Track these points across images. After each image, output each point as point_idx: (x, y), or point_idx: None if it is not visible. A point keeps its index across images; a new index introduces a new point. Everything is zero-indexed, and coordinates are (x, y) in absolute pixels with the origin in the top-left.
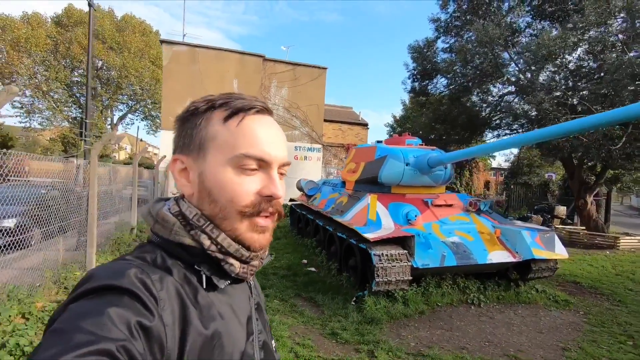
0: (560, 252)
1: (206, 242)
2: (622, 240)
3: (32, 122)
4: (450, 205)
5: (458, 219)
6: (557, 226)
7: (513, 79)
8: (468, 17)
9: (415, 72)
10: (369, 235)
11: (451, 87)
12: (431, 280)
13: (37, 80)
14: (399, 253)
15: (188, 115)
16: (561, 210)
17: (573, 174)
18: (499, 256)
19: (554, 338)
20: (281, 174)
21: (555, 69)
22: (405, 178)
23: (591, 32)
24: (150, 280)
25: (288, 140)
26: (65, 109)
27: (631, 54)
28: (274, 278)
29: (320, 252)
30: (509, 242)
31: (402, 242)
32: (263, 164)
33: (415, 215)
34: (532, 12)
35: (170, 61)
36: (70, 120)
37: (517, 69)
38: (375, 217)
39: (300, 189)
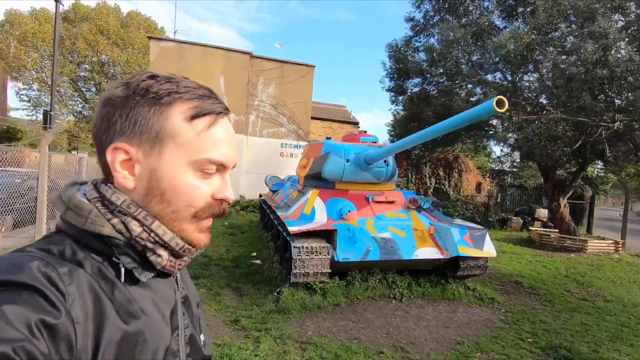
0: (488, 250)
1: (137, 229)
2: (589, 244)
3: (39, 116)
4: (391, 202)
5: (395, 215)
6: (532, 228)
7: (474, 80)
8: (444, 16)
9: (391, 71)
10: (292, 228)
11: (424, 86)
12: (357, 274)
13: (43, 75)
14: (320, 246)
15: (137, 97)
16: (542, 212)
17: (547, 176)
18: (426, 253)
19: (456, 333)
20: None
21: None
22: (346, 174)
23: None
24: (57, 274)
25: (274, 137)
26: (71, 102)
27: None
28: (215, 269)
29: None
30: (441, 240)
31: (328, 235)
32: (220, 168)
33: (349, 210)
34: (504, 12)
35: (157, 57)
36: (75, 114)
37: (478, 71)
38: (310, 212)
39: (266, 184)
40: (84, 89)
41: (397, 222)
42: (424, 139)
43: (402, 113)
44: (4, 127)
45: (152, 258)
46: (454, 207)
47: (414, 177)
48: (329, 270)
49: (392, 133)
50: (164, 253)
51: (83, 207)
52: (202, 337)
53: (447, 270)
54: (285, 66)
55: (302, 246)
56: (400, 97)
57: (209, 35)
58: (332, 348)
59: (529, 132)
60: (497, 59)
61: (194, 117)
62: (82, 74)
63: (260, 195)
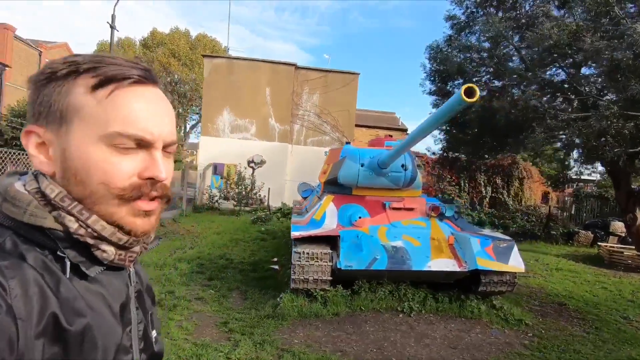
0: (515, 264)
1: (73, 225)
2: None
3: None
4: (411, 209)
5: (412, 223)
6: (601, 244)
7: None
8: (488, 10)
9: (430, 74)
10: (294, 233)
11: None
12: (364, 284)
13: None
14: (321, 252)
15: (44, 78)
16: (618, 226)
17: (619, 183)
18: (441, 264)
19: (461, 356)
20: (168, 152)
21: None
22: (361, 179)
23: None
24: None
25: (318, 145)
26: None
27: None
28: (231, 272)
29: None
30: (461, 251)
31: (334, 242)
32: (143, 143)
33: (359, 217)
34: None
35: (210, 73)
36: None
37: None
38: (320, 217)
39: (298, 191)
40: None
41: (414, 230)
42: (414, 141)
43: None
44: None
45: (97, 253)
46: (513, 218)
47: (466, 185)
48: (330, 278)
49: (444, 142)
50: (108, 248)
51: (21, 198)
52: (153, 332)
53: (472, 285)
54: (329, 75)
55: (303, 251)
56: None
57: (273, 51)
58: (310, 358)
59: (574, 132)
60: (541, 52)
61: (95, 86)
62: None
63: (295, 202)
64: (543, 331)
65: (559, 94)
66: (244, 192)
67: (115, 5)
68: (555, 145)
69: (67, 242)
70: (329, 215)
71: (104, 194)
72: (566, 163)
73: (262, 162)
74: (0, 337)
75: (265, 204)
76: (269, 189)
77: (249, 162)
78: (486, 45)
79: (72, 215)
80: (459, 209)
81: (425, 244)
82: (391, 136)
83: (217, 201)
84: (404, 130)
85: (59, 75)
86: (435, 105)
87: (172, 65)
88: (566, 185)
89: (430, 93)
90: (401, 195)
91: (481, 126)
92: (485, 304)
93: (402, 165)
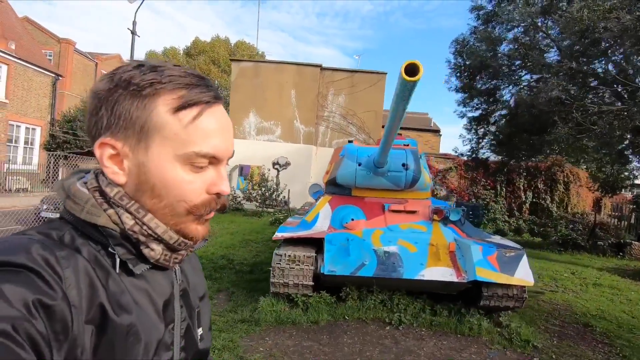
0: (522, 277)
1: (129, 222)
2: None
3: None
4: (413, 212)
5: (412, 227)
6: None
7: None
8: None
9: (455, 69)
10: (277, 235)
11: (494, 82)
12: (353, 291)
13: None
14: (304, 255)
15: (121, 91)
16: None
17: None
18: (436, 273)
19: None
20: (227, 164)
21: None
22: (359, 179)
23: None
24: (55, 258)
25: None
26: None
27: None
28: (227, 272)
29: None
30: (462, 259)
31: (320, 245)
32: (214, 160)
33: (352, 219)
34: None
35: (237, 77)
36: None
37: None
38: (311, 219)
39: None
40: None
41: (412, 234)
42: (390, 135)
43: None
44: None
45: (146, 251)
46: (555, 226)
47: (503, 189)
48: (312, 283)
49: (473, 142)
50: (157, 247)
51: (80, 196)
52: (199, 330)
53: (477, 298)
54: (355, 75)
55: (285, 254)
56: (474, 100)
57: (315, 56)
58: None
59: (607, 125)
60: (572, 37)
61: (179, 108)
62: None
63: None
64: (554, 356)
65: (593, 84)
66: (267, 194)
67: (136, 12)
68: (582, 141)
69: (116, 240)
70: (321, 217)
71: (179, 209)
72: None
73: (287, 164)
74: (57, 320)
75: (290, 205)
76: (289, 190)
77: (273, 164)
78: (514, 34)
79: (130, 212)
80: (465, 212)
81: (423, 250)
82: (400, 134)
83: (239, 202)
84: (437, 131)
85: (138, 89)
86: (462, 103)
87: (212, 72)
88: (623, 190)
89: (457, 90)
90: (405, 197)
91: (510, 124)
92: (488, 321)
93: (403, 165)
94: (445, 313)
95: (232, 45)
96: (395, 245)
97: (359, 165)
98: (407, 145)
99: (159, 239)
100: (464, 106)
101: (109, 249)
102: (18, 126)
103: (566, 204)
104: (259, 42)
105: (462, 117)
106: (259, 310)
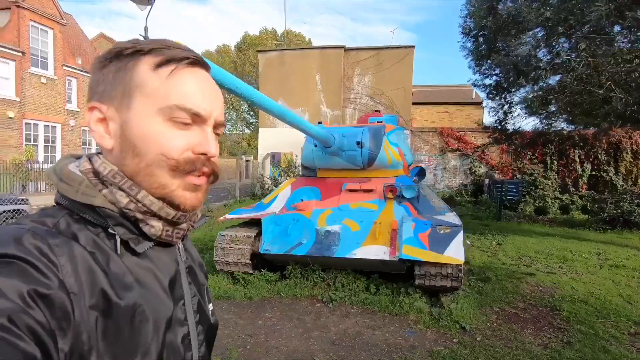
0: (452, 254)
1: (123, 200)
2: None
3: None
4: (369, 191)
5: (362, 206)
6: None
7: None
8: None
9: (464, 30)
10: (221, 218)
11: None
12: (295, 269)
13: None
14: (244, 235)
15: (110, 58)
16: None
17: None
18: (369, 252)
19: (336, 353)
20: (217, 134)
21: None
22: (317, 160)
23: None
24: (48, 246)
25: None
26: (247, 116)
27: None
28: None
29: None
30: (401, 237)
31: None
32: (197, 119)
33: (302, 199)
34: None
35: (264, 67)
36: (247, 125)
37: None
38: (268, 201)
39: None
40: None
41: (361, 213)
42: (284, 117)
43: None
44: None
45: (146, 229)
46: (617, 202)
47: (555, 163)
48: (249, 261)
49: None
50: (156, 223)
51: (74, 177)
52: (210, 306)
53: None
54: (381, 53)
55: (227, 234)
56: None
57: (371, 36)
58: None
59: None
60: None
61: (159, 65)
62: None
63: None
64: (479, 338)
65: None
66: None
67: (147, 17)
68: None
69: (115, 220)
70: (279, 199)
71: (161, 165)
72: None
73: None
74: (56, 308)
75: None
76: None
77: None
78: None
79: (123, 190)
80: (419, 188)
81: (365, 228)
82: (378, 111)
83: (268, 188)
84: (478, 103)
85: (125, 54)
86: (475, 69)
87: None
88: None
89: (471, 53)
90: (368, 176)
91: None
92: (425, 300)
93: (358, 143)
94: (388, 292)
95: (280, 35)
96: (339, 225)
97: (315, 146)
98: (380, 122)
99: (157, 215)
100: (480, 74)
101: (109, 229)
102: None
103: (635, 177)
104: (315, 27)
105: (477, 86)
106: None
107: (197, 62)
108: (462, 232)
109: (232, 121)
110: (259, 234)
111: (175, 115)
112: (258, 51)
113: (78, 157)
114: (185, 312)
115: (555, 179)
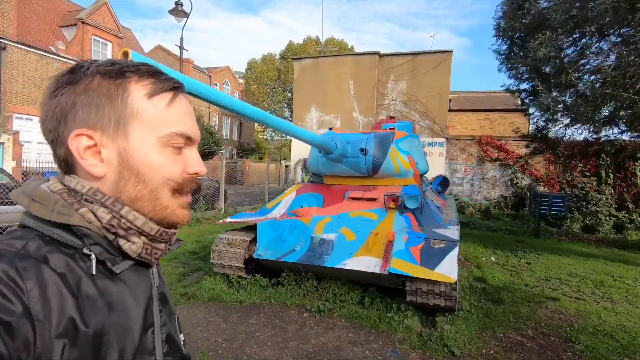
0: (443, 272)
1: (105, 217)
2: None
3: (266, 134)
4: (373, 200)
5: (362, 215)
6: None
7: None
8: None
9: (498, 31)
10: (220, 221)
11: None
12: (289, 276)
13: (266, 103)
14: (241, 240)
15: (88, 82)
16: None
17: None
18: (360, 263)
19: None
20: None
21: None
22: (322, 167)
23: None
24: (15, 269)
25: None
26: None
27: None
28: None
29: None
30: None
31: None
32: (188, 142)
33: (301, 206)
34: None
35: (299, 74)
36: None
37: None
38: (271, 206)
39: None
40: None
41: (360, 222)
42: (270, 122)
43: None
44: (253, 146)
45: (126, 246)
46: None
47: (610, 177)
48: (242, 265)
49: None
50: (137, 240)
51: (48, 197)
52: (182, 336)
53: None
54: (417, 58)
55: (225, 237)
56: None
57: (421, 42)
58: None
59: None
60: None
61: (153, 94)
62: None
63: None
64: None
65: None
66: None
67: (182, 29)
68: None
69: (92, 239)
70: (282, 204)
71: (164, 189)
72: None
73: None
74: (16, 337)
75: None
76: None
77: None
78: None
79: (106, 206)
80: (420, 199)
81: (361, 238)
82: (393, 117)
83: None
84: (524, 110)
85: (110, 77)
86: (510, 74)
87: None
88: None
89: (502, 54)
90: (374, 184)
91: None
92: (417, 319)
93: (362, 150)
94: (381, 307)
95: (323, 43)
96: (336, 233)
97: (320, 152)
98: (393, 129)
99: (140, 231)
100: (514, 79)
101: (84, 250)
102: None
103: None
104: (364, 35)
105: (511, 91)
106: (199, 287)
107: (179, 86)
108: (457, 248)
109: None
110: (255, 239)
111: (173, 142)
112: (294, 59)
113: (44, 181)
114: (154, 341)
115: (610, 194)
